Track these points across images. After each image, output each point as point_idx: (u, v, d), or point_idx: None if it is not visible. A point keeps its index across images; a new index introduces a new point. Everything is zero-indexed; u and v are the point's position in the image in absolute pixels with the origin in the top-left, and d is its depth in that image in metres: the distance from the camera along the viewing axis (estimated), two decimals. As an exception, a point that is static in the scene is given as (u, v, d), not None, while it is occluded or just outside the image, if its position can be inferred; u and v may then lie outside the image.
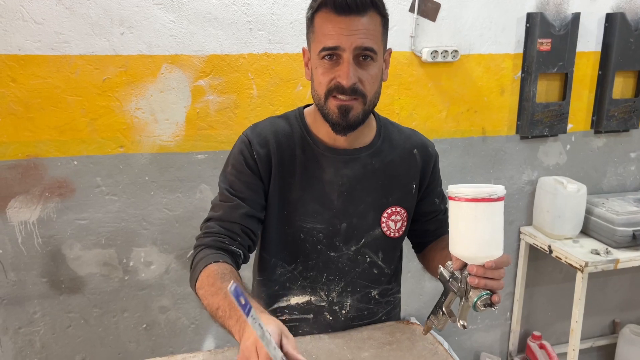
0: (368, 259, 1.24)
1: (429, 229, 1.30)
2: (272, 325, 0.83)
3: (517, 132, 2.32)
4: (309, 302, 1.23)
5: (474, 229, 0.93)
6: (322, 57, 1.05)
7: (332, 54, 1.04)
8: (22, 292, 1.87)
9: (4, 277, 1.84)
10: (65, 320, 1.94)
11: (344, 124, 1.09)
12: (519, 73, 2.25)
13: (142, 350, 2.06)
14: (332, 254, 1.21)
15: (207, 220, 1.15)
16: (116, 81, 1.80)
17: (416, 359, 1.09)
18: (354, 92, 1.06)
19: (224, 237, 1.11)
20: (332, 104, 1.08)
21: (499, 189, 0.92)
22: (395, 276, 1.31)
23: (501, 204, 0.93)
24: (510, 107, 2.28)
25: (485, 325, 2.55)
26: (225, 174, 1.17)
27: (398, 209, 1.23)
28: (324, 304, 1.24)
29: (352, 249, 1.22)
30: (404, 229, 1.25)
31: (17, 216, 1.81)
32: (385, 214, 1.22)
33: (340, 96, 1.06)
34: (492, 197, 0.91)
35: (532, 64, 2.20)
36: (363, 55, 1.05)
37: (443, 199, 1.30)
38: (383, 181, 1.21)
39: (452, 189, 0.95)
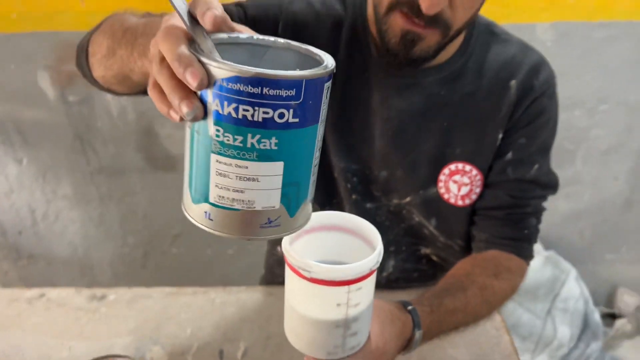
0: (416, 219, 0.92)
1: (474, 218, 0.90)
2: None
3: None
4: None
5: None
6: None
7: None
8: (122, 164, 1.90)
9: (105, 149, 1.87)
10: (163, 195, 1.97)
11: (403, 57, 0.72)
12: None
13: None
14: (368, 205, 0.91)
15: None
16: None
17: (470, 347, 0.82)
18: (433, 21, 0.67)
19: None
20: (396, 23, 0.69)
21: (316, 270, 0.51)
22: (459, 253, 0.95)
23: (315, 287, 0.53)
24: None
25: (632, 256, 2.10)
26: None
27: (467, 168, 0.84)
28: None
29: (393, 201, 0.90)
30: (472, 196, 0.87)
31: (110, 89, 1.77)
32: (445, 171, 0.85)
33: (412, 17, 0.67)
34: (301, 271, 0.53)
35: None
36: None
37: (526, 169, 0.83)
38: (452, 123, 0.82)
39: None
